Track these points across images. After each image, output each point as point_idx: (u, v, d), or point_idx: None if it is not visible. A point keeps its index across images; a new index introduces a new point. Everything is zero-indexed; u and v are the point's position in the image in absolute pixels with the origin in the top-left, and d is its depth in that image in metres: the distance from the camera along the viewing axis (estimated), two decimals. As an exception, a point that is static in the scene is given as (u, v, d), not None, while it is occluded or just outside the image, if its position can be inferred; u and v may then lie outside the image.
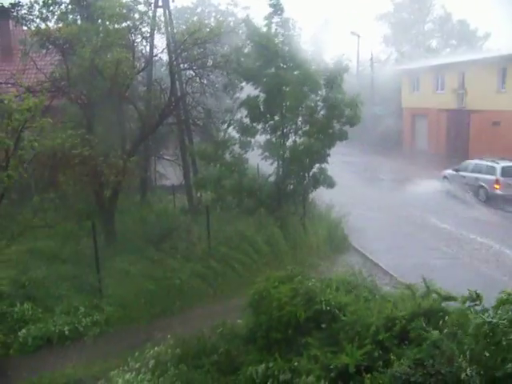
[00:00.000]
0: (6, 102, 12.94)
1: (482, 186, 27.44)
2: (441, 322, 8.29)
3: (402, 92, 52.62)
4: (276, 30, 19.24)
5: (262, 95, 19.24)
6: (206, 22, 23.39)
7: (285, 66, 18.97)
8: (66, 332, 13.36)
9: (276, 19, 19.25)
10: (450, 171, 30.80)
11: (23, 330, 13.23)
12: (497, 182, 26.63)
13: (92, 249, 15.28)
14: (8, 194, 12.85)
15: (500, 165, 27.16)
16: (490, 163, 27.83)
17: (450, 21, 65.54)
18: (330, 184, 19.78)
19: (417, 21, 66.04)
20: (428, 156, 44.72)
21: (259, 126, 19.50)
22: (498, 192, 26.47)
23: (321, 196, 21.79)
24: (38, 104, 13.29)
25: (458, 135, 43.06)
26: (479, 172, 28.09)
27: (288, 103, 18.95)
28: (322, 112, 19.52)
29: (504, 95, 38.63)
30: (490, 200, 26.71)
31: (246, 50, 19.57)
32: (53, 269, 15.68)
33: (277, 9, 19.19)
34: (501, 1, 77.41)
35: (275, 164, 19.77)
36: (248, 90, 19.97)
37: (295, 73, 18.91)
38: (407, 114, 51.48)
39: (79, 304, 14.23)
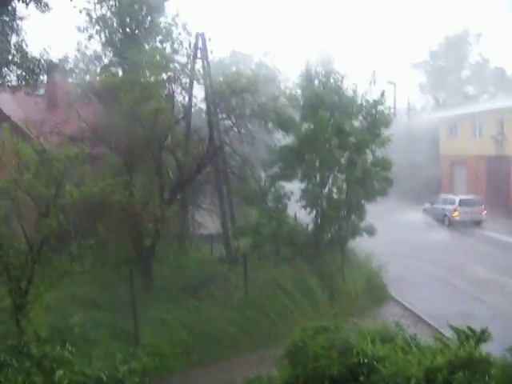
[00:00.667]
0: (46, 151, 13.32)
1: (446, 215, 35.47)
2: (485, 375, 8.00)
3: (439, 139, 52.31)
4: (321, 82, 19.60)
5: (297, 145, 19.41)
6: (244, 72, 23.83)
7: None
8: (104, 378, 13.27)
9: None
10: (427, 205, 38.85)
11: (60, 371, 13.18)
12: (455, 210, 34.73)
13: (129, 296, 15.34)
14: (47, 240, 13.04)
15: (459, 197, 36.11)
16: (452, 196, 37.48)
17: (487, 67, 65.36)
18: (370, 232, 19.64)
19: (453, 68, 65.92)
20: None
21: (296, 175, 19.61)
22: (457, 219, 34.44)
23: (360, 245, 21.60)
24: (78, 153, 13.60)
25: (498, 182, 42.44)
26: (445, 203, 36.23)
27: (323, 156, 19.09)
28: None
29: (544, 142, 38.16)
30: (451, 225, 34.61)
31: (283, 100, 19.85)
32: (90, 315, 15.68)
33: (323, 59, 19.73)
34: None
35: (313, 212, 19.74)
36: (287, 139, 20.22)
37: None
38: (445, 161, 51.04)
39: (116, 351, 14.18)
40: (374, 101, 19.48)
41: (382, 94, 19.83)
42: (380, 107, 19.59)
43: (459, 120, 49.19)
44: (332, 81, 19.73)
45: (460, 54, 65.89)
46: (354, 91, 19.64)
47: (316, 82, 19.72)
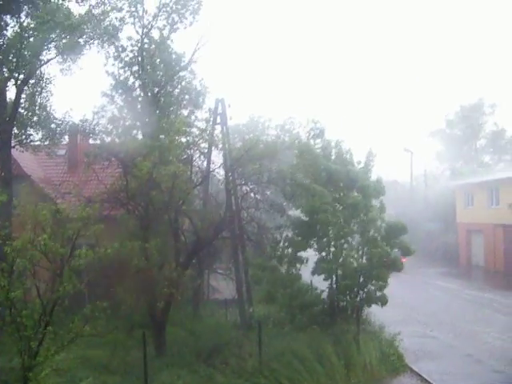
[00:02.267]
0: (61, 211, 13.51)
1: None
2: None
3: (456, 207, 52.23)
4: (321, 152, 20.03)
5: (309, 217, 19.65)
6: (262, 138, 24.11)
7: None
8: None
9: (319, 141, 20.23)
10: None
11: None
12: None
13: (141, 360, 15.16)
14: (61, 301, 13.02)
15: None
16: None
17: (502, 136, 65.76)
18: (383, 301, 19.49)
19: (469, 137, 66.43)
20: (486, 273, 43.72)
21: (310, 243, 19.74)
22: None
23: (376, 314, 21.38)
24: (90, 213, 13.75)
25: (516, 251, 42.04)
26: None
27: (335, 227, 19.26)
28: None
29: (561, 210, 37.96)
30: None
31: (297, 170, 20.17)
32: (101, 379, 15.52)
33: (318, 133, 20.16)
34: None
35: (329, 280, 19.67)
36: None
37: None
38: (462, 229, 50.81)
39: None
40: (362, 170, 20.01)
41: (367, 163, 20.34)
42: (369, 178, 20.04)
43: (475, 188, 49.24)
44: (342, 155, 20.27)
45: (475, 124, 66.46)
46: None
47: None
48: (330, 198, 19.39)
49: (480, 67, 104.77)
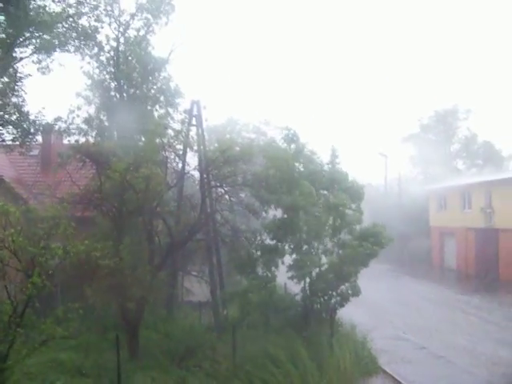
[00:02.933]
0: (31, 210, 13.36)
1: None
2: None
3: (429, 211, 52.79)
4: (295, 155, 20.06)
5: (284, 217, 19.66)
6: (238, 141, 24.11)
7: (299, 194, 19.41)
8: None
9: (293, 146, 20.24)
10: None
11: None
12: None
13: (114, 363, 15.03)
14: (32, 302, 12.83)
15: None
16: None
17: (475, 142, 66.55)
18: (355, 293, 19.59)
19: (443, 142, 67.12)
20: (457, 275, 44.24)
21: (284, 246, 19.76)
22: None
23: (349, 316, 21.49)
24: (62, 212, 13.60)
25: (488, 254, 42.61)
26: None
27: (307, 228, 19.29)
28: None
29: (533, 214, 38.61)
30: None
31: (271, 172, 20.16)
32: (73, 382, 15.35)
33: (292, 139, 20.19)
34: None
35: (302, 282, 19.70)
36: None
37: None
38: (435, 232, 51.39)
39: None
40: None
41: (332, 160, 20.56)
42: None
43: (449, 192, 49.85)
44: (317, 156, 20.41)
45: (449, 129, 67.18)
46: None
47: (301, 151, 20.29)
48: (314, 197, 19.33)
49: (455, 73, 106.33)
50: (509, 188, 40.99)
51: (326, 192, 20.46)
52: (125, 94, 26.97)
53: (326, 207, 19.62)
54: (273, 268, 19.82)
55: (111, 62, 27.36)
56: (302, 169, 20.36)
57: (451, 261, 48.62)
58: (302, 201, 18.87)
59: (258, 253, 20.23)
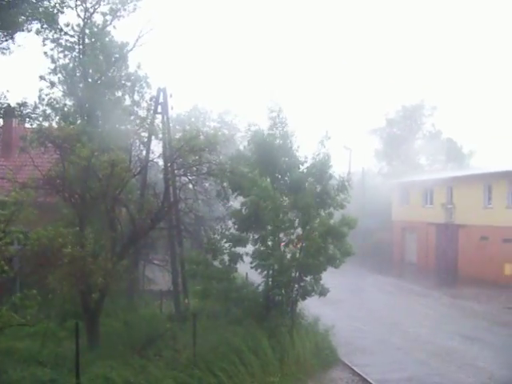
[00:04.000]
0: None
1: None
2: None
3: (392, 205, 53.35)
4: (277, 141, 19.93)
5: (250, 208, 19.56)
6: (203, 129, 23.98)
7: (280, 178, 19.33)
8: None
9: (277, 131, 20.07)
10: None
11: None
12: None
13: (73, 352, 14.85)
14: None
15: None
16: None
17: (438, 138, 67.31)
18: (323, 292, 19.69)
19: (407, 137, 67.70)
20: (417, 270, 44.92)
21: (249, 236, 19.71)
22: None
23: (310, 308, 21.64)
24: (24, 197, 13.34)
25: (447, 249, 43.46)
26: None
27: (275, 219, 19.26)
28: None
29: (491, 211, 39.45)
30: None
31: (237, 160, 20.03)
32: (29, 371, 15.07)
33: (276, 122, 20.04)
34: (486, 122, 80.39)
35: (264, 273, 19.73)
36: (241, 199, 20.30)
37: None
38: (397, 227, 52.01)
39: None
40: (323, 164, 20.00)
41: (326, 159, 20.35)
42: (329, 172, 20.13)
43: (411, 187, 50.46)
44: (287, 143, 20.24)
45: (414, 124, 67.83)
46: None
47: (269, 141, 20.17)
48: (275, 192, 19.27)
49: (422, 69, 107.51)
50: (469, 185, 41.76)
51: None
52: (90, 80, 26.58)
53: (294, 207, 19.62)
54: (236, 259, 19.81)
55: (76, 47, 26.93)
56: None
57: (412, 255, 49.34)
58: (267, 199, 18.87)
59: (222, 242, 20.18)
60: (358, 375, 18.15)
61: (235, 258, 19.60)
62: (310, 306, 21.37)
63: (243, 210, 19.53)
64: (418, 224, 47.92)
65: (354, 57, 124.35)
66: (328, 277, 20.27)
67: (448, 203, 44.26)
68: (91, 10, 26.73)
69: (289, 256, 19.55)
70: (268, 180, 19.12)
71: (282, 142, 20.20)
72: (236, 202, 20.69)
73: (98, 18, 27.17)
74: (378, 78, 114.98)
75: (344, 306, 28.28)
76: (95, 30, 26.75)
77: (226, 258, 19.77)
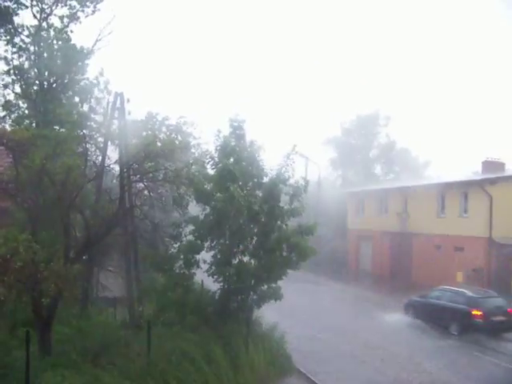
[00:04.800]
0: None
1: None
2: None
3: (347, 214, 53.83)
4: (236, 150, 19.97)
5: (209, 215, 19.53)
6: (160, 136, 23.80)
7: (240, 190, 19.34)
8: None
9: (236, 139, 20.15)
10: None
11: None
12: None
13: (24, 361, 14.50)
14: None
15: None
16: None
17: (393, 148, 68.33)
18: (277, 297, 19.73)
19: (363, 147, 68.55)
20: (372, 278, 45.40)
21: (206, 244, 19.68)
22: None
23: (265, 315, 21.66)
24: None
25: (401, 257, 44.04)
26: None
27: (234, 228, 19.27)
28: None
29: (444, 220, 40.17)
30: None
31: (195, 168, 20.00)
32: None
33: (236, 129, 20.10)
34: (441, 133, 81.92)
35: (221, 281, 19.71)
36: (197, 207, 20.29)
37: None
38: (352, 235, 52.48)
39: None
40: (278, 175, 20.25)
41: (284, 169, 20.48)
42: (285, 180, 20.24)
43: (366, 196, 51.04)
44: (246, 153, 20.31)
45: (369, 134, 68.69)
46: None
47: (229, 150, 20.20)
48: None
49: (378, 80, 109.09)
50: (423, 195, 42.45)
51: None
52: (45, 83, 26.12)
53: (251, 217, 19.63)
54: (192, 266, 19.75)
55: (31, 49, 26.43)
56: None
57: (367, 263, 49.84)
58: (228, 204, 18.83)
59: (178, 249, 20.09)
60: (313, 383, 18.25)
61: (191, 264, 19.55)
62: (265, 314, 21.40)
63: (206, 217, 19.53)
64: (373, 233, 48.47)
65: (312, 66, 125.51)
66: (282, 285, 20.35)
67: (403, 212, 44.91)
68: (48, 11, 26.27)
69: (246, 263, 19.57)
70: (236, 186, 19.16)
71: (248, 151, 20.34)
72: (192, 209, 20.60)
73: (55, 21, 26.72)
74: (335, 88, 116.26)
75: (298, 313, 28.35)
76: (52, 31, 26.29)
77: (185, 264, 19.72)
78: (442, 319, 26.55)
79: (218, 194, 19.21)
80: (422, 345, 23.69)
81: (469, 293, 26.19)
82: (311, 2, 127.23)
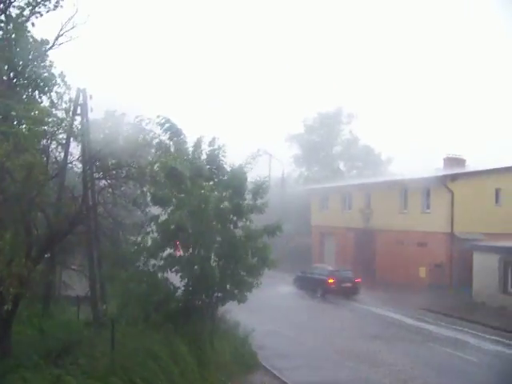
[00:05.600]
0: None
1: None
2: None
3: (311, 211, 54.06)
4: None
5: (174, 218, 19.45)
6: (122, 133, 23.48)
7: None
8: None
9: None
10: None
11: None
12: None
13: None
14: None
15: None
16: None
17: (356, 145, 68.83)
18: (241, 300, 19.75)
19: (326, 143, 68.84)
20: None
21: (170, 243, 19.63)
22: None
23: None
24: None
25: (365, 253, 44.48)
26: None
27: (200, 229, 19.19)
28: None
29: (406, 216, 40.71)
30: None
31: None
32: None
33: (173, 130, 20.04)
34: (403, 129, 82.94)
35: (186, 278, 19.62)
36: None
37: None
38: (316, 231, 52.76)
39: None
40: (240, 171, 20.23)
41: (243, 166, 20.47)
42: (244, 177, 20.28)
43: (330, 193, 51.33)
44: (212, 152, 20.30)
45: (332, 131, 69.03)
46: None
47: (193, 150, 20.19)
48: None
49: (340, 76, 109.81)
50: (386, 191, 42.92)
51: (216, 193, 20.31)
52: (4, 77, 25.56)
53: (216, 214, 19.55)
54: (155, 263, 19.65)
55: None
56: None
57: (331, 260, 50.13)
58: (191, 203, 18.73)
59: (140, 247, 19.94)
60: (278, 378, 18.31)
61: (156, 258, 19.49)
62: (228, 310, 21.39)
63: (165, 221, 19.43)
64: (336, 229, 48.81)
65: (276, 63, 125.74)
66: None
67: (366, 208, 45.32)
68: (7, 2, 25.64)
69: (211, 267, 19.50)
70: (210, 183, 19.17)
71: (210, 149, 20.31)
72: (155, 208, 20.49)
73: (14, 12, 26.10)
74: (298, 84, 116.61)
75: (261, 309, 28.31)
76: (11, 24, 25.65)
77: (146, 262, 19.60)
78: (312, 287, 37.48)
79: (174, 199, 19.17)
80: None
81: (328, 268, 39.37)
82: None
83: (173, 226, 19.06)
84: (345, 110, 68.91)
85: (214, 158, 20.52)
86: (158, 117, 20.33)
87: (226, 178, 20.46)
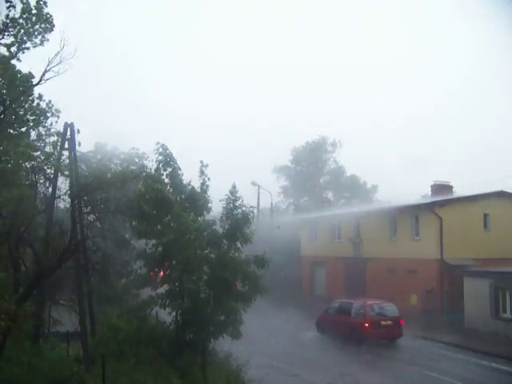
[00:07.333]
0: None
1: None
2: None
3: (300, 241, 53.98)
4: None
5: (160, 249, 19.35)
6: (111, 167, 23.55)
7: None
8: None
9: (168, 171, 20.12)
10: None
11: None
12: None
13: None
14: None
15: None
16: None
17: (342, 174, 69.10)
18: (235, 335, 19.53)
19: (313, 173, 69.09)
20: (327, 303, 45.46)
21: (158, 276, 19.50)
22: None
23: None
24: None
25: (356, 282, 44.32)
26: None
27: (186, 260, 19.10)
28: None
29: (396, 243, 40.72)
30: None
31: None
32: None
33: (167, 161, 19.97)
34: (386, 157, 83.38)
35: (175, 312, 19.48)
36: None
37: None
38: (306, 261, 52.65)
39: None
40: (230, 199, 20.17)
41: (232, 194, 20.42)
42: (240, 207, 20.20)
43: (319, 223, 51.32)
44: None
45: (319, 161, 69.35)
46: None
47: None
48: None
49: (327, 107, 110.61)
50: (374, 219, 43.00)
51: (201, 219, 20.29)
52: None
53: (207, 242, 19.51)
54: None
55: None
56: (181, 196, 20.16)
57: (321, 289, 49.99)
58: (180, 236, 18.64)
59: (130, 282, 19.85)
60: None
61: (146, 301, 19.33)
62: (220, 342, 21.14)
63: (151, 252, 19.35)
64: (326, 258, 48.73)
65: (261, 93, 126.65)
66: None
67: (355, 237, 45.34)
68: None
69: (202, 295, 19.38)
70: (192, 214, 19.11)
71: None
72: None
73: (2, 50, 26.22)
74: (286, 117, 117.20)
75: (254, 340, 28.03)
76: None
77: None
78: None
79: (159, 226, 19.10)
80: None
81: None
82: (260, 24, 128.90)
83: (160, 249, 18.97)
84: (329, 139, 69.26)
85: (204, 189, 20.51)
86: (157, 143, 20.25)
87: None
